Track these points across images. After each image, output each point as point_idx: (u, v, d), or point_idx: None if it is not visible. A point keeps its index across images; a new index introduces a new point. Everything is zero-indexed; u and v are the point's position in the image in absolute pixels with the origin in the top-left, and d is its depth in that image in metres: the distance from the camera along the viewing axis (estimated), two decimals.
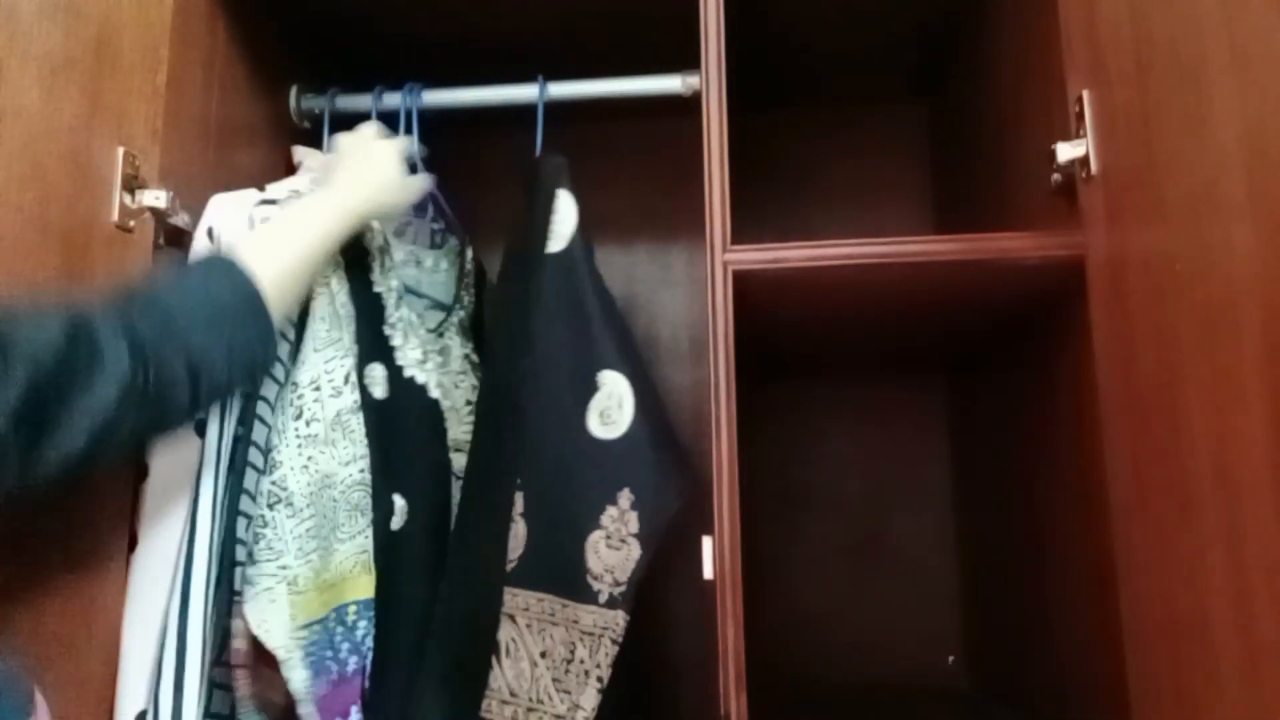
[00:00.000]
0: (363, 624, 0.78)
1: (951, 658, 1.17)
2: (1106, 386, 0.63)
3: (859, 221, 1.23)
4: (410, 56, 1.05)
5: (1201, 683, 0.49)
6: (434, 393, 0.91)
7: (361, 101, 0.97)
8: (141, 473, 0.71)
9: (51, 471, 0.53)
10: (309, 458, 0.75)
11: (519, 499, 0.82)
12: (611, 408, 0.80)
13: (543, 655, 0.79)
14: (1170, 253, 0.53)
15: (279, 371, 0.76)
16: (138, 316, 0.58)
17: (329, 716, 0.73)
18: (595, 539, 0.77)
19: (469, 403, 0.95)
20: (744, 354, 0.74)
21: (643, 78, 0.95)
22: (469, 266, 1.02)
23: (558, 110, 0.95)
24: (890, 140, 1.27)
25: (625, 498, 0.78)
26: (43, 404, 0.51)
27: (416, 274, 0.95)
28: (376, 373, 0.84)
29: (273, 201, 0.80)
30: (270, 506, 0.72)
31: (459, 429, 0.93)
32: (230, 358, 0.64)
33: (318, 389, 0.77)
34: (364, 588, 0.78)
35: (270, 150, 0.96)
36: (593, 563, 0.77)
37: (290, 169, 0.95)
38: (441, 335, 0.94)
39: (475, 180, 1.13)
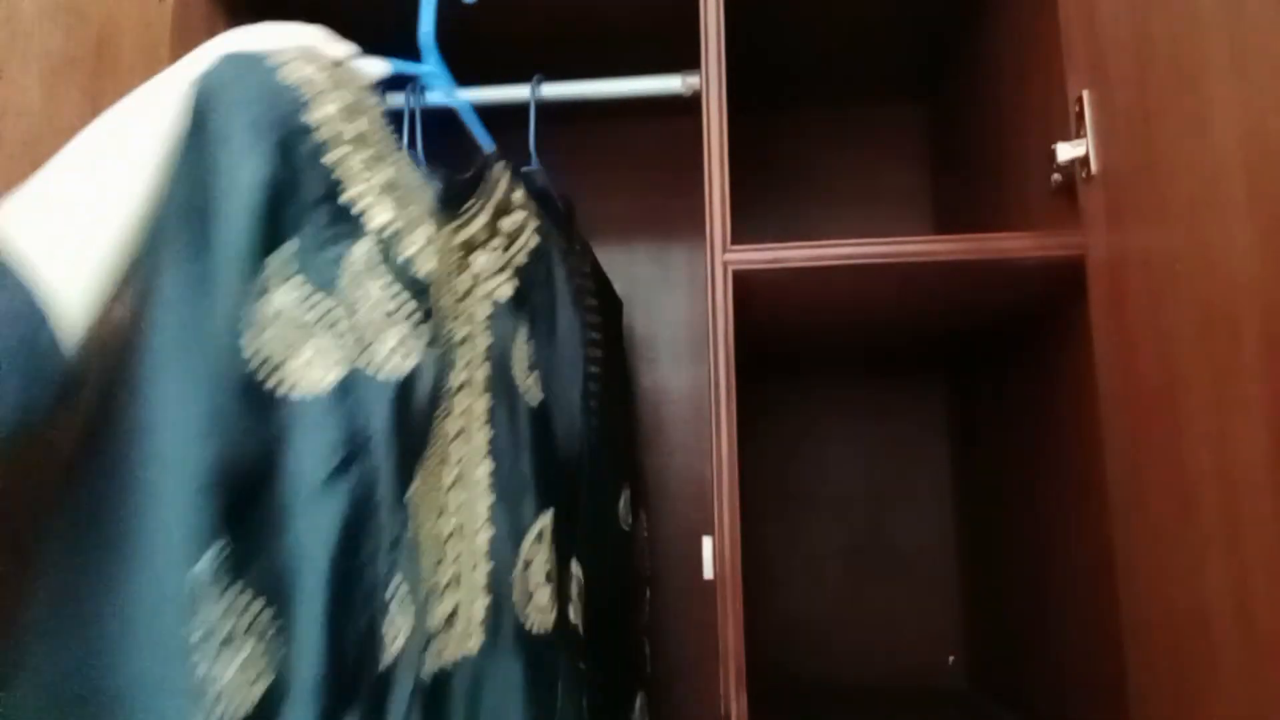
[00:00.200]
0: None
1: (951, 658, 1.17)
2: (1106, 386, 0.63)
3: (859, 221, 1.23)
4: (409, 56, 1.05)
5: (1201, 682, 0.49)
6: None
7: None
8: None
9: None
10: None
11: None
12: None
13: None
14: (1170, 253, 0.53)
15: None
16: None
17: None
18: None
19: None
20: (744, 354, 0.74)
21: (643, 78, 0.95)
22: None
23: (558, 110, 0.95)
24: (890, 140, 1.27)
25: None
26: None
27: None
28: None
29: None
30: None
31: None
32: None
33: None
34: None
35: None
36: None
37: None
38: None
39: None
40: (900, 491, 1.22)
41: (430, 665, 0.59)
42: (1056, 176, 0.70)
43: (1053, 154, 0.68)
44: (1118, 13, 0.60)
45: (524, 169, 0.90)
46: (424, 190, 0.64)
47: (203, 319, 0.46)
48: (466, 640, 0.63)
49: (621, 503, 0.95)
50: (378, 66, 0.62)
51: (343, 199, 0.55)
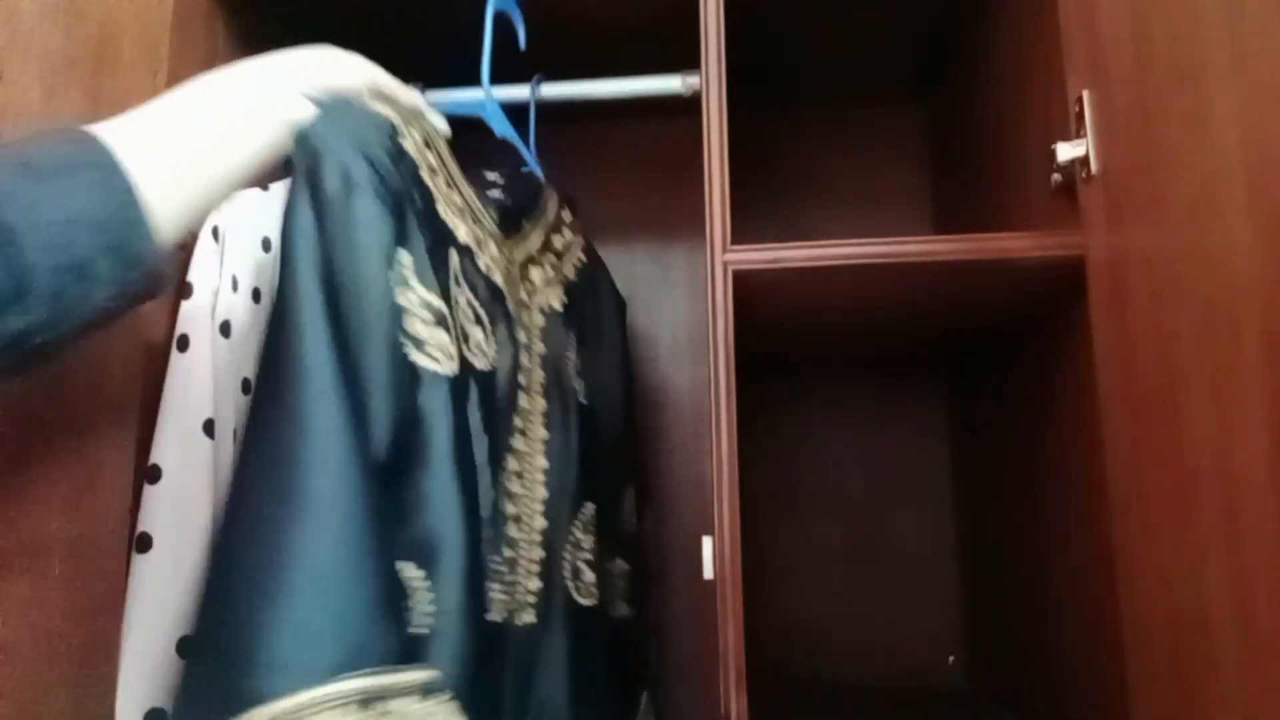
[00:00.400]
0: None
1: (951, 658, 1.17)
2: (1106, 386, 0.63)
3: (859, 221, 1.23)
4: (410, 56, 1.05)
5: (1201, 682, 0.49)
6: None
7: None
8: (148, 474, 0.71)
9: None
10: None
11: None
12: None
13: None
14: (1170, 253, 0.53)
15: None
16: None
17: None
18: None
19: None
20: (744, 354, 0.74)
21: (643, 78, 0.95)
22: None
23: (558, 110, 0.95)
24: (890, 140, 1.27)
25: None
26: None
27: None
28: None
29: None
30: None
31: None
32: (85, 289, 0.44)
33: None
34: None
35: None
36: None
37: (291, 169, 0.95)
38: None
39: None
40: (900, 491, 1.22)
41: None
42: (1056, 176, 0.70)
43: (1053, 154, 0.68)
44: (1118, 13, 0.60)
45: (523, 169, 0.90)
46: (486, 212, 0.71)
47: (366, 299, 0.54)
48: (522, 614, 0.69)
49: (627, 501, 0.97)
50: (440, 123, 0.69)
51: (438, 212, 0.63)
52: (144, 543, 0.70)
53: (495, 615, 0.61)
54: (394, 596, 0.52)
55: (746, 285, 0.75)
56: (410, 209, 0.59)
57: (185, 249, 0.78)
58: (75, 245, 0.44)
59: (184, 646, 0.69)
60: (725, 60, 0.77)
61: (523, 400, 0.71)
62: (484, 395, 0.62)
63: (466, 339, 0.62)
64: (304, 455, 0.50)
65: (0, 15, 0.61)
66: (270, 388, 0.53)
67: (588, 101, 0.96)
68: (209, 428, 0.72)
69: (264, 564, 0.49)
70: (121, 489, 0.70)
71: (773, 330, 0.96)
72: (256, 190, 0.81)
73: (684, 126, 0.90)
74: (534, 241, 0.80)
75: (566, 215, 0.88)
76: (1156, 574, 0.55)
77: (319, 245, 0.54)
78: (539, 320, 0.76)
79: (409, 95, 0.66)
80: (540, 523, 0.71)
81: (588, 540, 0.77)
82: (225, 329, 0.76)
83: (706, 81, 0.77)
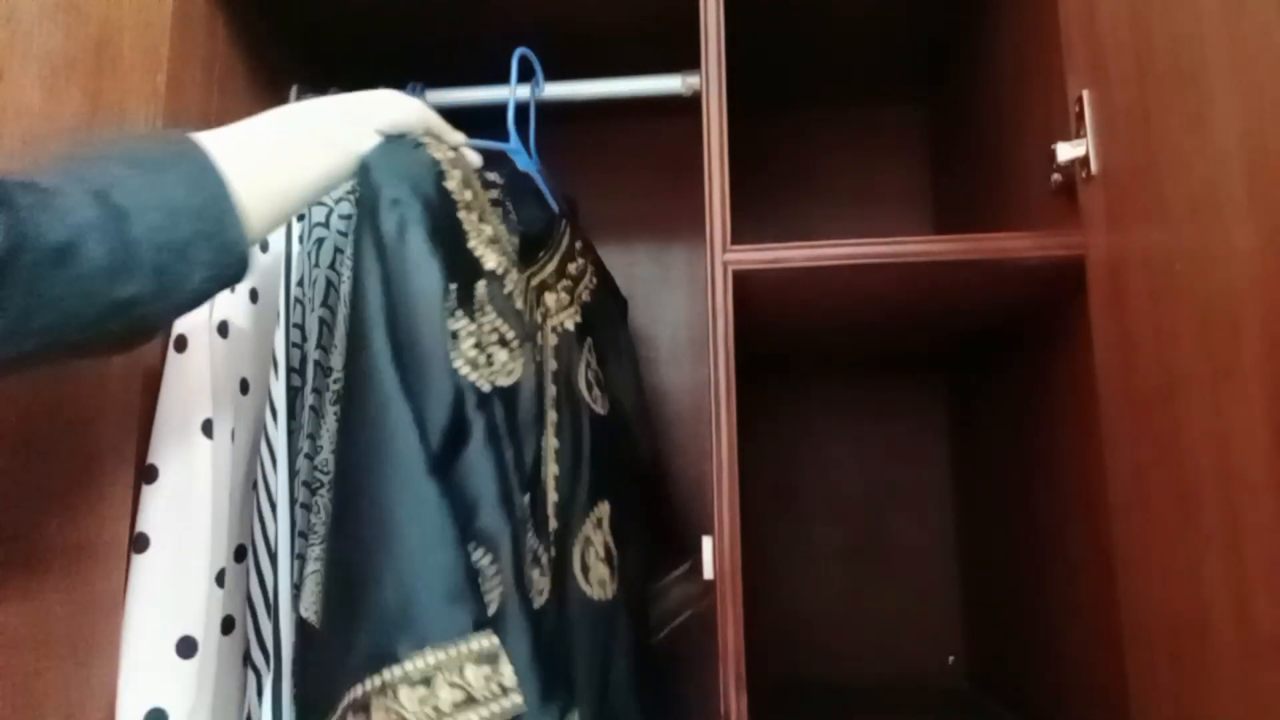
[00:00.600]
0: None
1: (951, 658, 1.17)
2: (1106, 386, 0.63)
3: (859, 221, 1.23)
4: (410, 56, 1.05)
5: (1201, 683, 0.49)
6: None
7: None
8: (145, 474, 0.71)
9: None
10: None
11: None
12: None
13: None
14: (1170, 253, 0.53)
15: (325, 360, 0.76)
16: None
17: None
18: None
19: None
20: (744, 354, 0.74)
21: (643, 78, 0.95)
22: None
23: (558, 110, 0.95)
24: (890, 140, 1.27)
25: None
26: None
27: None
28: None
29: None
30: (314, 491, 0.72)
31: None
32: (183, 271, 0.50)
33: None
34: None
35: None
36: None
37: None
38: None
39: None
40: (900, 491, 1.22)
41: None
42: (1056, 176, 0.70)
43: (1053, 154, 0.68)
44: (1118, 13, 0.60)
45: (521, 169, 0.90)
46: (510, 242, 0.78)
47: (424, 327, 0.64)
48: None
49: (655, 498, 1.02)
50: (474, 156, 0.78)
51: (469, 246, 0.71)
52: (141, 543, 0.70)
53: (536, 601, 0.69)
54: (461, 578, 0.60)
55: (746, 285, 0.75)
56: (449, 243, 0.68)
57: None
58: (176, 229, 0.49)
59: (184, 646, 0.69)
60: (725, 60, 0.77)
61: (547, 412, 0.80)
62: (508, 409, 0.70)
63: (491, 361, 0.70)
64: (387, 465, 0.59)
65: (0, 15, 0.61)
66: (352, 402, 0.63)
67: (588, 101, 0.96)
68: (207, 428, 0.72)
69: (352, 562, 0.59)
70: (121, 489, 0.71)
71: (773, 330, 0.96)
72: None
73: (684, 126, 0.90)
74: (549, 269, 0.88)
75: (579, 245, 0.95)
76: (1156, 574, 0.55)
77: (382, 283, 0.63)
78: (552, 340, 0.83)
79: (453, 135, 0.75)
80: (553, 523, 0.76)
81: (599, 539, 0.82)
82: (223, 329, 0.76)
83: (706, 81, 0.77)
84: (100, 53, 0.70)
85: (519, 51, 0.89)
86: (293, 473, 0.75)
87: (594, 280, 0.96)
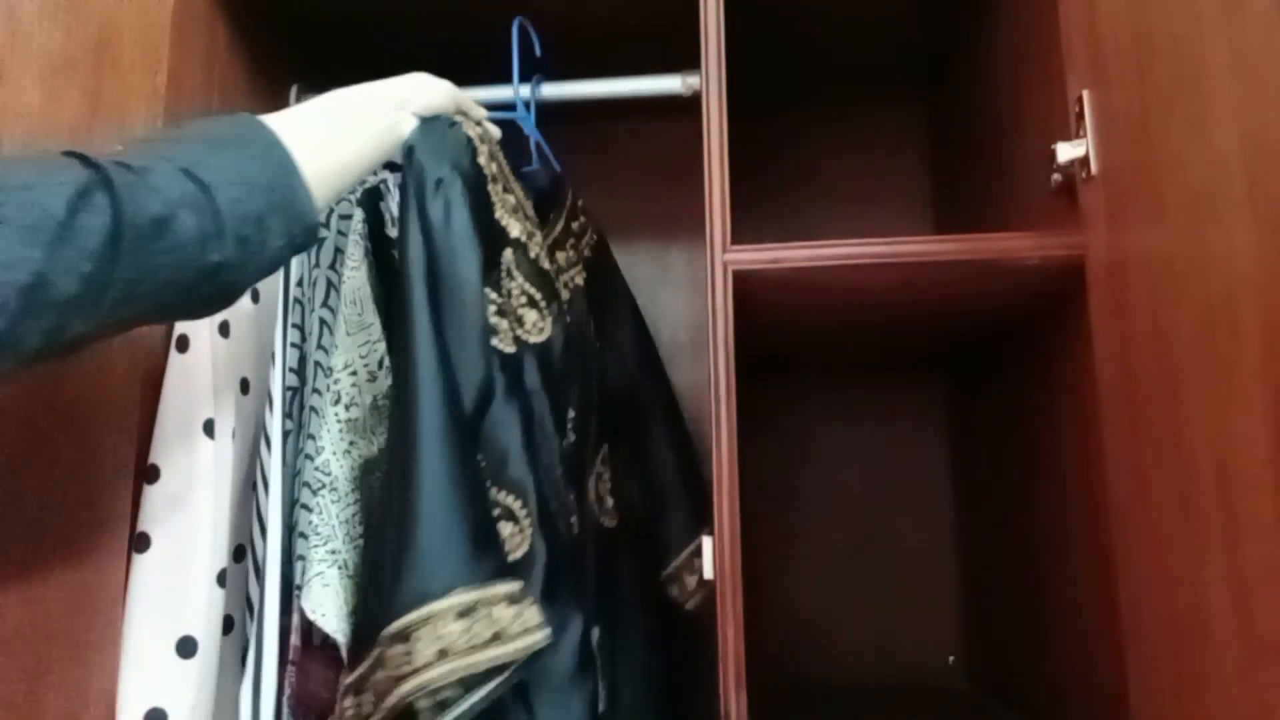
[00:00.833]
0: None
1: (951, 658, 1.17)
2: (1106, 386, 0.63)
3: (859, 221, 1.23)
4: (411, 56, 1.05)
5: (1201, 682, 0.49)
6: None
7: None
8: (147, 474, 0.71)
9: None
10: (350, 443, 0.75)
11: None
12: None
13: None
14: (1170, 253, 0.53)
15: (325, 361, 0.76)
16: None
17: None
18: None
19: None
20: (744, 354, 0.74)
21: (643, 78, 0.95)
22: None
23: (558, 110, 0.95)
24: (890, 140, 1.27)
25: None
26: None
27: None
28: None
29: None
30: (315, 492, 0.73)
31: None
32: (260, 235, 0.55)
33: (354, 374, 0.76)
34: None
35: None
36: None
37: None
38: None
39: None
40: (900, 491, 1.22)
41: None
42: (1056, 176, 0.70)
43: (1053, 154, 0.68)
44: (1118, 13, 0.60)
45: (524, 169, 0.90)
46: (527, 206, 0.84)
47: (461, 294, 0.71)
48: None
49: (652, 437, 1.06)
50: (494, 128, 0.85)
51: (495, 217, 0.78)
52: (143, 542, 0.70)
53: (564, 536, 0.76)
54: (491, 529, 0.69)
55: (746, 285, 0.75)
56: (481, 216, 0.74)
57: None
58: (253, 201, 0.54)
59: (184, 646, 0.69)
60: (725, 60, 0.77)
61: None
62: (543, 363, 0.77)
63: (521, 322, 0.77)
64: (416, 428, 0.66)
65: (0, 15, 0.61)
66: (396, 373, 0.71)
67: (588, 101, 0.96)
68: (208, 427, 0.72)
69: (396, 514, 0.66)
70: (122, 489, 0.71)
71: (773, 330, 0.96)
72: None
73: (684, 126, 0.90)
74: (559, 228, 0.94)
75: (581, 203, 1.00)
76: (1156, 574, 0.55)
77: (426, 261, 0.70)
78: (565, 295, 0.89)
79: (477, 110, 0.82)
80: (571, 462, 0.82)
81: (607, 474, 0.91)
82: (224, 329, 0.76)
83: (706, 81, 0.77)
84: (100, 53, 0.70)
85: (517, 20, 0.92)
86: (294, 472, 0.76)
87: (594, 236, 1.01)
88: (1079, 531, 0.75)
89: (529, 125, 0.92)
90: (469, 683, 0.63)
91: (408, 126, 0.72)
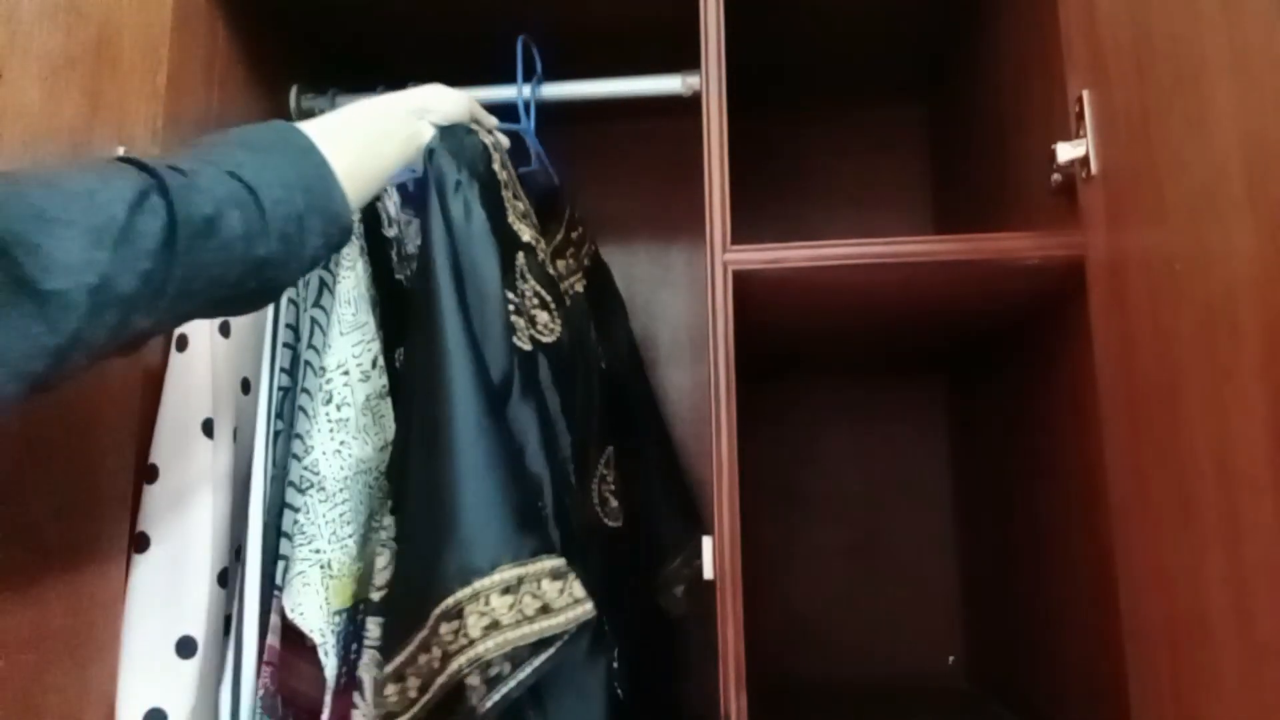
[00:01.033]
0: (371, 625, 0.74)
1: (951, 658, 1.17)
2: (1106, 386, 0.63)
3: (859, 221, 1.23)
4: (410, 56, 1.05)
5: (1201, 683, 0.49)
6: None
7: None
8: (146, 474, 0.71)
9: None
10: (341, 443, 0.75)
11: None
12: None
13: None
14: (1170, 253, 0.53)
15: (317, 361, 0.76)
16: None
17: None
18: None
19: None
20: (744, 354, 0.74)
21: (643, 78, 0.95)
22: None
23: (558, 110, 0.95)
24: (890, 140, 1.27)
25: None
26: None
27: None
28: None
29: None
30: (303, 491, 0.72)
31: None
32: (302, 235, 0.58)
33: (346, 373, 0.76)
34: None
35: None
36: None
37: None
38: None
39: None
40: (900, 491, 1.22)
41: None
42: (1056, 176, 0.70)
43: (1053, 154, 0.68)
44: (1118, 13, 0.60)
45: (524, 169, 0.90)
46: (533, 215, 0.87)
47: (485, 291, 0.74)
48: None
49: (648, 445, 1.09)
50: (504, 139, 0.88)
51: (509, 221, 0.81)
52: (142, 542, 0.70)
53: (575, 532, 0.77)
54: (532, 506, 0.71)
55: (746, 285, 0.74)
56: (496, 220, 0.78)
57: None
58: (293, 201, 0.57)
59: (183, 646, 0.69)
60: (725, 60, 0.77)
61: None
62: (554, 362, 0.80)
63: (534, 322, 0.80)
64: (451, 411, 0.68)
65: (0, 15, 0.61)
66: (423, 361, 0.72)
67: (588, 101, 0.96)
68: (208, 427, 0.72)
69: (434, 498, 0.67)
70: (121, 489, 0.71)
71: (773, 330, 0.96)
72: None
73: (684, 126, 0.90)
74: (559, 237, 0.97)
75: (578, 214, 1.03)
76: (1156, 574, 0.55)
77: (451, 255, 0.73)
78: (567, 301, 0.91)
79: (488, 119, 0.86)
80: (570, 466, 0.83)
81: (611, 475, 0.93)
82: (224, 329, 0.76)
83: (706, 81, 0.77)
84: (100, 53, 0.70)
85: (521, 38, 0.93)
86: (282, 473, 0.75)
87: (591, 246, 1.04)
88: (1079, 531, 0.75)
89: (531, 137, 0.95)
90: (516, 658, 0.66)
91: (428, 134, 0.76)
